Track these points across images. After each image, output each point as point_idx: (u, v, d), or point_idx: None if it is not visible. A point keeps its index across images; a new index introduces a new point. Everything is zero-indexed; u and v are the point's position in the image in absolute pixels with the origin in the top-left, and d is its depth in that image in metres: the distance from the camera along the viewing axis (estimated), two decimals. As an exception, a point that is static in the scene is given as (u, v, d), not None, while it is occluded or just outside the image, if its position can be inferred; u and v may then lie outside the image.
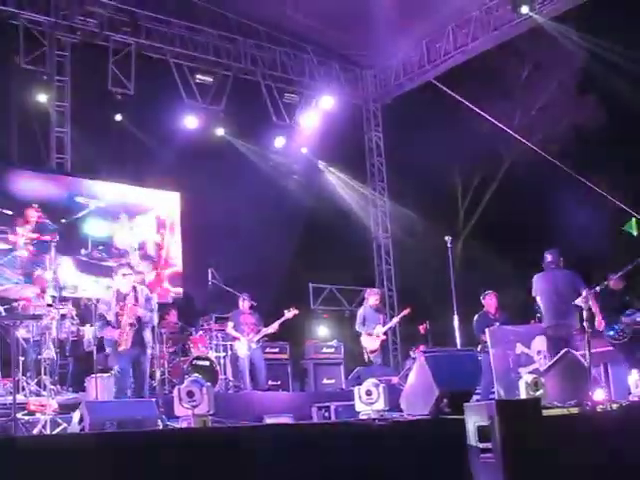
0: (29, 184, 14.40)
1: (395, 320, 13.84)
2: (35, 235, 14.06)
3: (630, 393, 8.99)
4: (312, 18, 16.07)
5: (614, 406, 7.96)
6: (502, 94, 21.82)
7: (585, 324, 8.58)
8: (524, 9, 14.98)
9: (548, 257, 10.42)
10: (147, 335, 9.05)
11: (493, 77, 21.44)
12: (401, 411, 7.49)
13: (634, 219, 8.52)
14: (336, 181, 18.89)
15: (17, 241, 13.82)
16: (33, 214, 14.05)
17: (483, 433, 5.36)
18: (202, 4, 15.78)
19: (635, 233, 8.70)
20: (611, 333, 10.32)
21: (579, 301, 9.10)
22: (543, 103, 23.21)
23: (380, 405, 6.93)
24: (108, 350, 9.08)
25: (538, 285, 10.43)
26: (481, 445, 5.36)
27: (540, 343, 10.50)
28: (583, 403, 7.85)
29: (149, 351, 9.18)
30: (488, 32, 15.97)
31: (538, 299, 10.37)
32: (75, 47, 15.14)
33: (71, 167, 14.98)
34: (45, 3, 14.59)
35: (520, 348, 10.48)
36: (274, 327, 12.61)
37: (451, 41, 16.63)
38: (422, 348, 15.79)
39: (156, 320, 9.74)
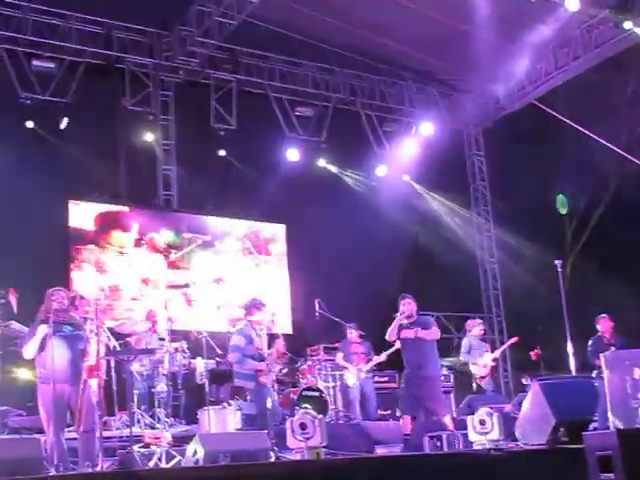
0: (138, 220, 14.85)
1: (503, 348, 13.70)
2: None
3: None
4: (408, 45, 16.08)
5: None
6: (606, 112, 21.27)
7: None
8: (627, 24, 14.36)
9: None
10: None
11: (596, 94, 20.94)
12: (516, 440, 7.31)
13: (560, 196, 8.03)
14: (439, 207, 18.72)
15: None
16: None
17: (605, 464, 5.15)
18: (299, 38, 15.94)
19: (564, 212, 8.23)
20: None
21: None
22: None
23: (495, 435, 6.78)
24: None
25: None
26: (603, 476, 5.15)
27: (660, 367, 10.07)
28: None
29: None
30: (590, 50, 15.60)
31: None
32: (178, 86, 15.62)
33: (178, 203, 15.36)
34: (148, 46, 15.16)
35: (638, 373, 10.07)
36: (383, 357, 12.53)
37: (552, 61, 16.37)
38: (526, 376, 15.42)
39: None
